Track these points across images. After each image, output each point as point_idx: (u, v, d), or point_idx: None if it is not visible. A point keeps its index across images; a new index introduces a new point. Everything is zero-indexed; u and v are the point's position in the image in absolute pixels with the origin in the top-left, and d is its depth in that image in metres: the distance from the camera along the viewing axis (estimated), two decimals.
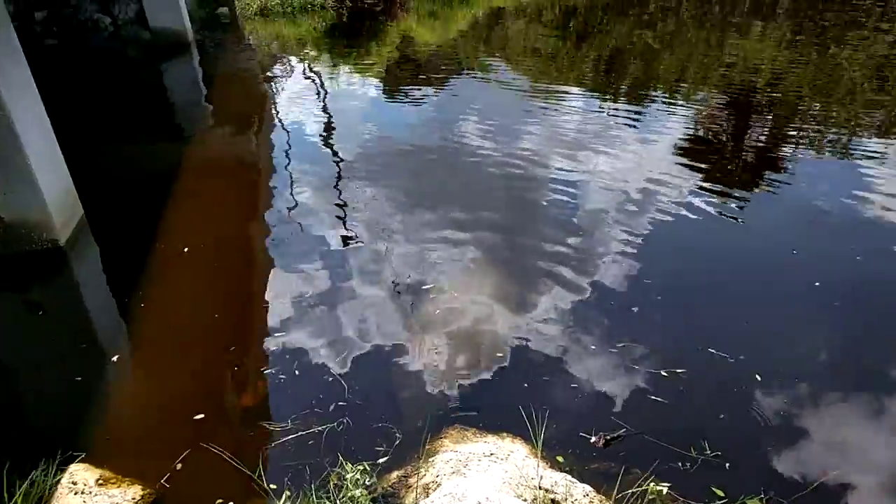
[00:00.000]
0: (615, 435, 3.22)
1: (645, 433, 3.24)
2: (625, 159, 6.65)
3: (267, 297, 4.53)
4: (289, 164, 7.10)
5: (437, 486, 2.83)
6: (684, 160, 6.57)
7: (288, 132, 8.13)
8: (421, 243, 5.12)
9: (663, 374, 3.63)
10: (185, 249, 5.14)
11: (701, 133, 7.48)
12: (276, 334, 4.11)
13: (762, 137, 7.30)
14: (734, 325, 4.10)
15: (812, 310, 4.24)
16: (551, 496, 2.74)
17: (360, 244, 5.19)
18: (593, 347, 3.88)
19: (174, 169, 6.82)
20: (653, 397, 3.48)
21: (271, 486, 2.96)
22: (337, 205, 5.94)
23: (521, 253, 5.03)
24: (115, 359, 3.89)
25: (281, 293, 4.58)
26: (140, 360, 4.03)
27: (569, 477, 2.86)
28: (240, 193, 6.53)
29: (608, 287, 4.47)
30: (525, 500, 2.68)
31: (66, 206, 5.37)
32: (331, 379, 3.69)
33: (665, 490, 2.84)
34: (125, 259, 5.16)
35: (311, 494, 2.84)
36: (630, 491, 2.87)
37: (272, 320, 4.28)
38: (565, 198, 5.83)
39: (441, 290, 4.50)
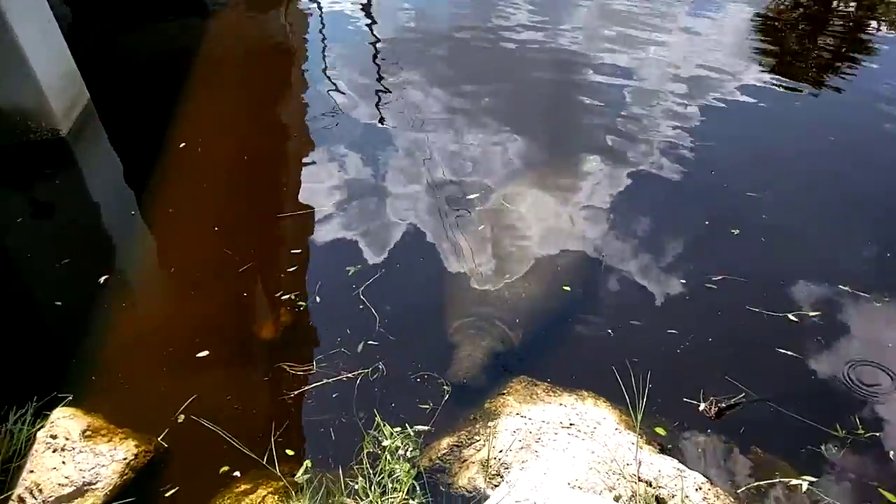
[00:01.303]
0: (731, 402, 2.45)
1: (770, 400, 2.47)
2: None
3: (293, 203, 3.79)
4: (324, 46, 6.14)
5: (502, 465, 2.16)
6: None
7: (322, 9, 7.06)
8: (467, 136, 4.28)
9: (791, 317, 2.80)
10: (200, 145, 4.38)
11: None
12: (299, 249, 3.40)
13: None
14: (879, 257, 3.19)
15: None
16: (655, 492, 2.04)
17: (399, 138, 4.37)
18: (684, 282, 3.05)
19: (196, 50, 5.93)
20: (779, 350, 2.67)
21: (288, 451, 2.35)
22: (376, 91, 5.05)
23: (582, 146, 4.14)
24: (105, 279, 3.23)
25: (310, 197, 3.84)
26: (142, 280, 3.37)
27: (677, 464, 2.14)
28: (268, 78, 5.64)
29: (699, 201, 3.57)
30: (619, 498, 1.99)
31: (67, 92, 4.67)
32: (361, 308, 2.97)
33: (806, 486, 2.12)
34: (135, 154, 4.44)
35: (339, 471, 2.21)
36: (756, 484, 2.16)
37: (296, 230, 3.56)
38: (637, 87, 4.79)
39: (491, 190, 3.69)
